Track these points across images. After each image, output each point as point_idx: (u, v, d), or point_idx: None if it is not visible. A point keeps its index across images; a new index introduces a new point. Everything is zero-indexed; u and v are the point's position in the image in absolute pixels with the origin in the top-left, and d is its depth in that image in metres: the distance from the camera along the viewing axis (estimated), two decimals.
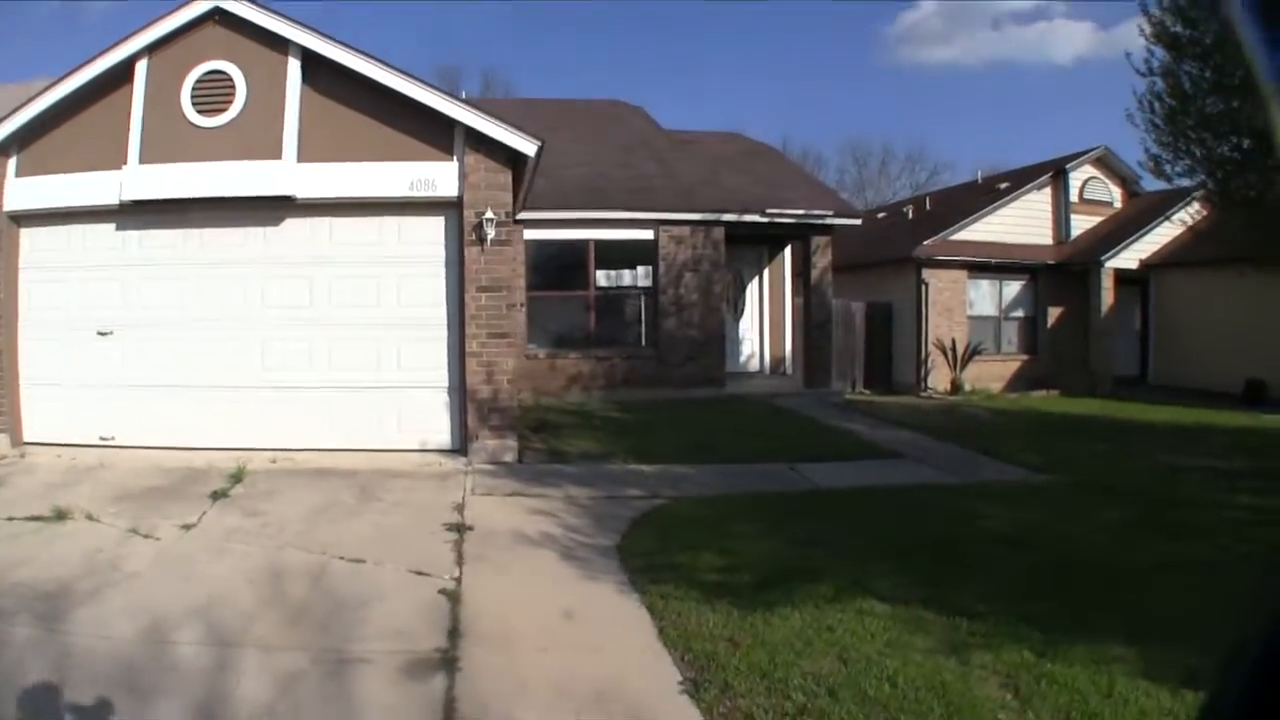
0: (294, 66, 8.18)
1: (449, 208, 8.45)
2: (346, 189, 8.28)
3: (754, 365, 16.74)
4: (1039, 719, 3.66)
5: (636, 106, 18.62)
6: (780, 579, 5.31)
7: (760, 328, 16.74)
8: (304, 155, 8.21)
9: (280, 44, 8.16)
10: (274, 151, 8.09)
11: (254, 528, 6.40)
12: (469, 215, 8.27)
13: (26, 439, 8.49)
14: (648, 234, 13.70)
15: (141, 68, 8.16)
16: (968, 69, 60.59)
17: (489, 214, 8.21)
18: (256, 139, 8.08)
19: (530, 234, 13.33)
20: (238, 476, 7.61)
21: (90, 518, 6.46)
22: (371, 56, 8.18)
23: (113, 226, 8.41)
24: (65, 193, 8.25)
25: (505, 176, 8.42)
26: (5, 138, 8.19)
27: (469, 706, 3.84)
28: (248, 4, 8.06)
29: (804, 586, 5.14)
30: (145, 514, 6.57)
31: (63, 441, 8.42)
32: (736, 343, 16.49)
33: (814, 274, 14.63)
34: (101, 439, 8.40)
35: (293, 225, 8.47)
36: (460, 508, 6.93)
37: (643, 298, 14.09)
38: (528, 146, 8.30)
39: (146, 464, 7.96)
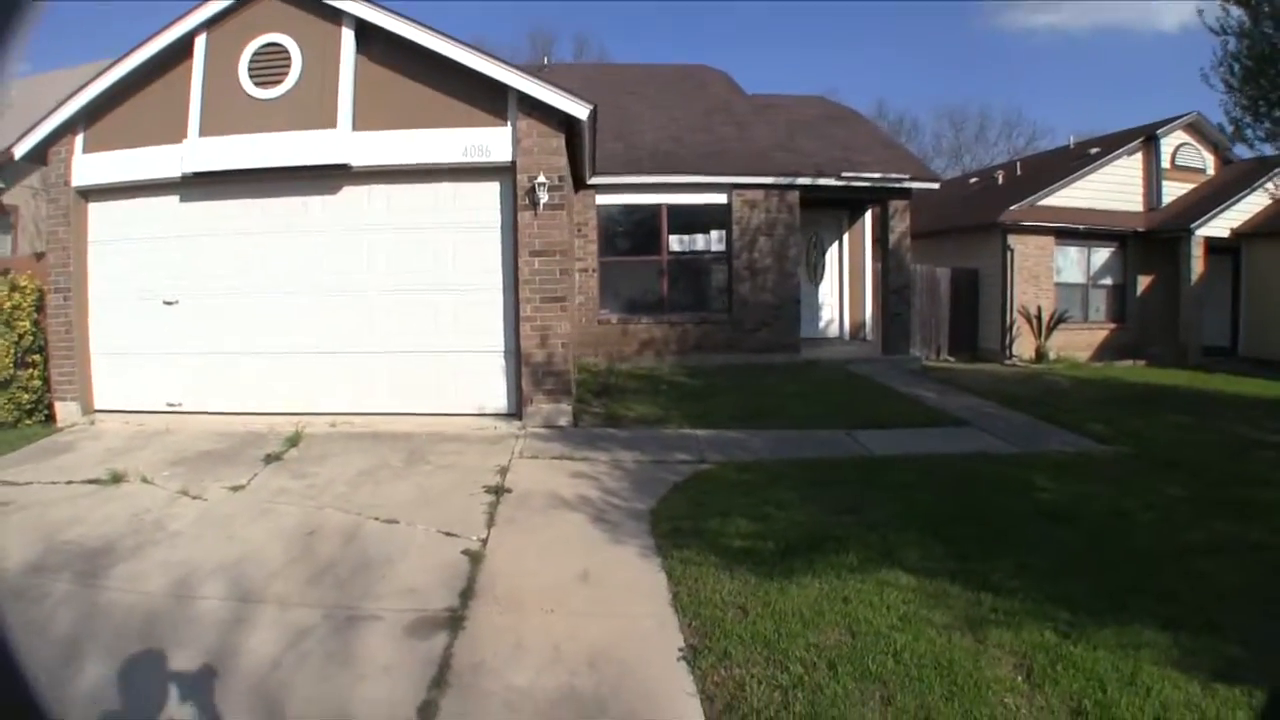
0: (347, 36, 8.18)
1: (503, 173, 8.33)
2: (401, 156, 8.25)
3: (833, 331, 16.28)
4: (1048, 704, 3.35)
5: (720, 71, 18.23)
6: (808, 547, 5.07)
7: (840, 293, 16.23)
8: (359, 124, 8.23)
9: (333, 15, 8.16)
10: (329, 121, 8.12)
11: (300, 489, 6.50)
12: (522, 180, 8.16)
13: (97, 406, 8.83)
14: (721, 198, 13.31)
15: (200, 43, 8.32)
16: (1073, 34, 58.49)
17: (541, 178, 8.08)
18: (312, 109, 8.14)
19: (602, 199, 13.24)
20: (294, 440, 7.77)
21: (145, 480, 6.69)
22: (423, 24, 8.10)
23: (176, 198, 8.64)
24: (130, 167, 8.52)
25: (558, 141, 8.26)
26: (72, 115, 8.49)
27: (462, 665, 3.80)
28: None
29: (830, 555, 4.90)
30: (198, 477, 6.77)
31: (132, 409, 8.74)
32: (815, 308, 16.06)
33: (892, 239, 13.96)
34: (169, 405, 8.68)
35: (350, 193, 8.52)
36: (504, 470, 6.88)
37: (716, 263, 13.69)
38: (579, 110, 8.11)
39: (210, 429, 8.21)
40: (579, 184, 12.55)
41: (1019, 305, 16.13)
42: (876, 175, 13.50)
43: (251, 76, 8.27)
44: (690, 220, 13.57)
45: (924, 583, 4.53)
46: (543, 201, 8.12)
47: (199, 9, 8.20)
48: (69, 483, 6.62)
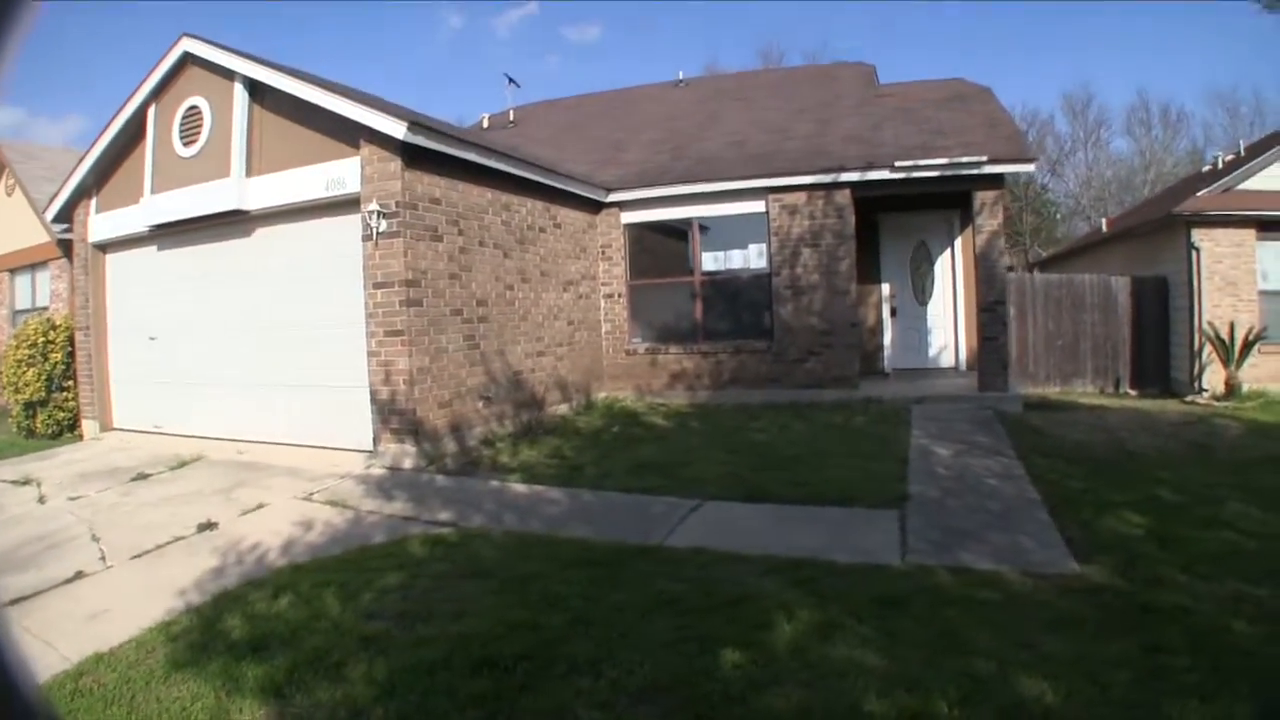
0: (240, 92, 9.41)
1: (358, 205, 8.73)
2: (280, 197, 9.23)
3: (946, 360, 13.65)
4: None
5: (864, 65, 16.61)
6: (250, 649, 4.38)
7: (955, 313, 13.46)
8: (251, 170, 9.42)
9: (227, 74, 9.46)
10: (225, 170, 9.44)
11: (107, 503, 7.93)
12: (363, 209, 8.53)
13: (115, 425, 11.30)
14: (758, 205, 11.88)
15: (151, 113, 10.28)
16: None
17: (373, 205, 8.40)
18: (216, 161, 9.53)
19: (629, 216, 12.71)
20: (179, 465, 9.23)
21: (37, 485, 8.66)
22: (288, 71, 8.99)
23: (155, 248, 10.74)
24: (120, 223, 10.82)
25: (394, 165, 8.44)
26: (80, 182, 11.15)
27: None
28: (201, 42, 9.58)
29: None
30: (70, 487, 8.57)
31: (131, 428, 11.05)
32: (923, 333, 13.67)
33: (979, 240, 11.06)
34: (155, 427, 10.79)
35: (260, 234, 9.76)
36: (255, 510, 7.42)
37: (755, 283, 12.19)
38: (394, 127, 8.21)
39: (153, 448, 10.09)
40: (597, 205, 12.56)
41: (1208, 321, 12.12)
42: (943, 161, 10.86)
43: (180, 137, 9.96)
44: (726, 235, 12.37)
45: None
46: (379, 230, 8.43)
47: (144, 83, 10.19)
48: None
